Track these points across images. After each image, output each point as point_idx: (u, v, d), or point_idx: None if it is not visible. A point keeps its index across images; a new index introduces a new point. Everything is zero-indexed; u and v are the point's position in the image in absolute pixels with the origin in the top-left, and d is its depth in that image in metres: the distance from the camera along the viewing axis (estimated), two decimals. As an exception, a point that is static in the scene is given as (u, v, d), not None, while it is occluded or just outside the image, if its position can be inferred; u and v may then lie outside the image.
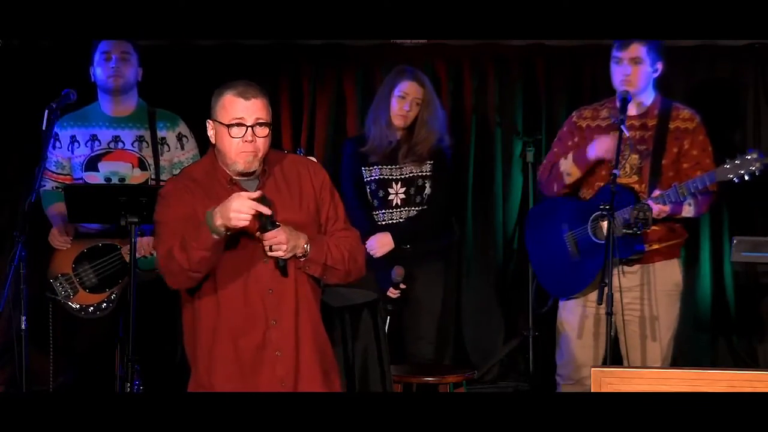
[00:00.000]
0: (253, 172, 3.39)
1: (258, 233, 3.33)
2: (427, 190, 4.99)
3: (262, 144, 3.35)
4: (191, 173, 3.50)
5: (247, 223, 3.24)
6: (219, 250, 3.32)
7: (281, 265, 3.37)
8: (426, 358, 5.04)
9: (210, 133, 3.41)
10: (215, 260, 3.33)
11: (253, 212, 3.22)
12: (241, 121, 3.32)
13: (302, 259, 3.39)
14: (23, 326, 4.19)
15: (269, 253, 3.34)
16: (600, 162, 4.52)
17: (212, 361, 3.42)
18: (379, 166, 4.98)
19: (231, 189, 3.37)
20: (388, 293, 4.81)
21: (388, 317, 4.72)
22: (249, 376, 3.38)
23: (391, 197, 4.98)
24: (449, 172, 5.06)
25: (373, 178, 5.00)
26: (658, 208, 4.31)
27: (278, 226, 3.30)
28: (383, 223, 4.98)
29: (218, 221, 3.23)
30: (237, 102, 3.33)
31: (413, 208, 4.98)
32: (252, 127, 3.32)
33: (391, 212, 4.99)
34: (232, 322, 3.38)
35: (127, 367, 4.19)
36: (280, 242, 3.30)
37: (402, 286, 4.83)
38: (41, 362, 4.81)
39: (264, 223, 3.29)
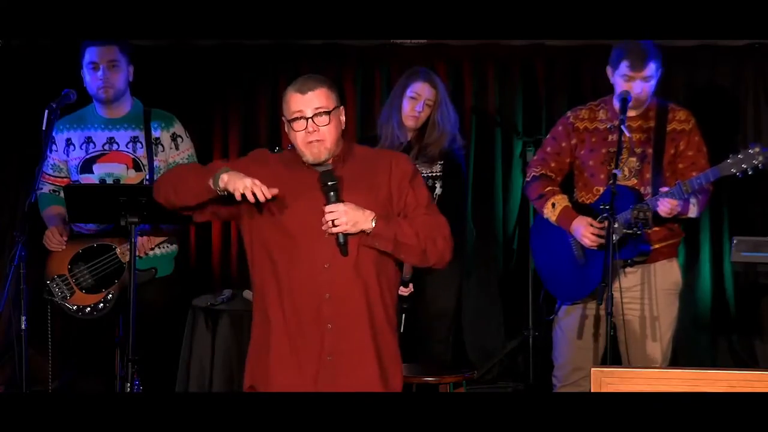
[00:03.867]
0: (324, 161, 3.46)
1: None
2: (438, 191, 4.98)
3: (327, 132, 3.44)
4: (274, 157, 3.63)
5: (239, 194, 3.33)
6: (203, 198, 3.45)
7: (341, 242, 3.38)
8: (441, 359, 5.03)
9: (286, 130, 3.52)
10: (195, 206, 3.48)
11: (249, 190, 3.32)
12: (300, 114, 3.43)
13: (369, 235, 3.41)
14: (23, 326, 4.19)
15: (330, 229, 3.38)
16: (596, 165, 4.52)
17: (266, 337, 3.47)
18: None
19: (308, 169, 3.47)
20: (399, 292, 4.79)
21: (403, 315, 4.69)
22: (300, 348, 3.41)
23: None
24: (461, 174, 5.02)
25: None
26: (669, 204, 4.29)
27: (341, 201, 3.38)
28: None
29: (221, 182, 3.37)
30: (295, 97, 3.44)
31: None
32: (311, 118, 3.42)
33: None
34: (288, 298, 3.43)
35: (127, 367, 4.19)
36: (338, 216, 3.35)
37: (410, 284, 4.81)
38: (40, 363, 4.81)
39: (329, 196, 3.37)
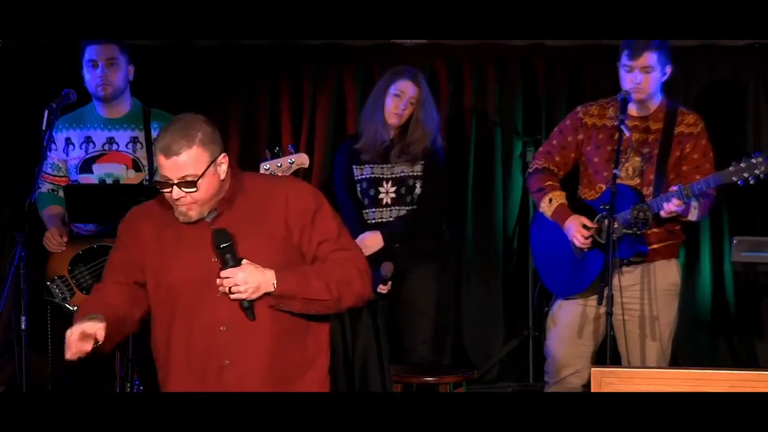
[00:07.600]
0: (196, 221, 3.16)
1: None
2: (418, 190, 4.98)
3: (198, 195, 3.11)
4: (160, 199, 3.28)
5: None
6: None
7: (245, 307, 3.11)
8: (422, 359, 5.04)
9: None
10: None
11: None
12: (164, 179, 3.10)
13: (272, 296, 3.13)
14: (23, 326, 4.19)
15: (231, 296, 3.10)
16: (601, 162, 4.51)
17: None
18: (371, 165, 4.98)
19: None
20: (378, 290, 4.78)
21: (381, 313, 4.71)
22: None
23: (381, 196, 4.98)
24: (442, 174, 5.03)
25: (364, 176, 5.00)
26: (672, 203, 4.28)
27: (240, 263, 3.08)
28: (373, 221, 4.98)
29: None
30: (160, 159, 3.10)
31: (403, 208, 4.98)
32: (177, 184, 3.09)
33: (381, 211, 4.99)
34: (183, 358, 3.21)
35: (127, 367, 4.19)
36: (235, 283, 3.07)
37: (389, 282, 4.81)
38: (39, 365, 4.81)
39: (225, 259, 3.07)
